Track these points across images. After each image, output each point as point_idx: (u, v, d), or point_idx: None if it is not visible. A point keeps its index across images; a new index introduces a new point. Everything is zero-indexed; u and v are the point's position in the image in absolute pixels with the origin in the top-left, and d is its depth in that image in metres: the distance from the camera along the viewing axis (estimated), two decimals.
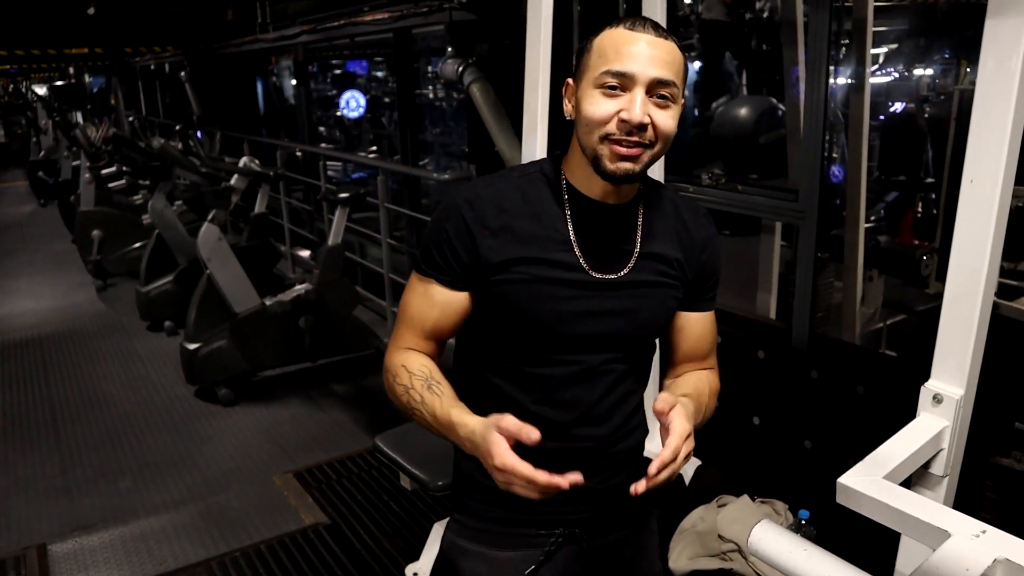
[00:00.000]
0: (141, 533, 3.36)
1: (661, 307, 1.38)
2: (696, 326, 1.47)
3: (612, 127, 1.19)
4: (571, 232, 1.29)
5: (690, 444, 1.21)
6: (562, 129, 3.40)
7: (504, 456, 1.12)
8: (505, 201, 1.29)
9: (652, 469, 1.16)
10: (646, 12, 2.94)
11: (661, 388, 1.53)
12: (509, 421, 1.13)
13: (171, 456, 4.05)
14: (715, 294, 1.48)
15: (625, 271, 1.32)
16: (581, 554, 1.43)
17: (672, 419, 1.19)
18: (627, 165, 1.21)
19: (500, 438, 1.13)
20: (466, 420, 1.22)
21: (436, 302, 1.33)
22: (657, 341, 1.56)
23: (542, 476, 1.11)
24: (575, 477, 1.13)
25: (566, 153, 1.34)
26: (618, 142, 1.20)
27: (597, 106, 1.20)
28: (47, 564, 3.16)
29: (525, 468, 1.11)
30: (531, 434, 1.11)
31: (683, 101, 1.25)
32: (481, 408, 1.25)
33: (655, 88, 1.19)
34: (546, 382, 1.32)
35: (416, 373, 1.31)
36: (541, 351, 1.32)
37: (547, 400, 1.34)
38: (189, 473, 3.87)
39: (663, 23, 2.92)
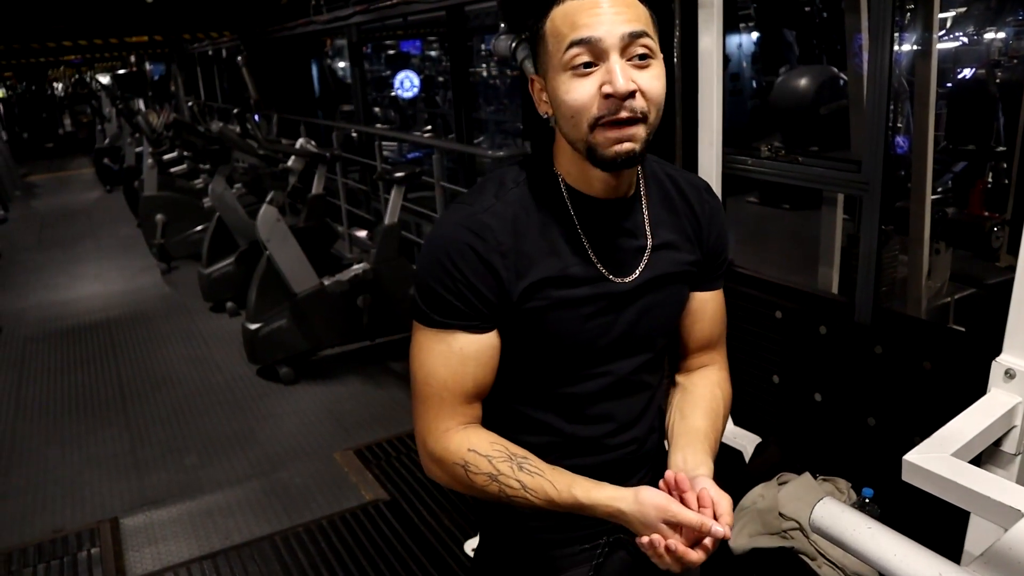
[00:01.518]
0: (207, 508, 3.46)
1: (679, 298, 1.28)
2: (709, 307, 1.34)
3: (598, 108, 1.04)
4: (584, 239, 1.16)
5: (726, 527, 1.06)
6: None
7: (678, 546, 1.02)
8: (512, 222, 1.13)
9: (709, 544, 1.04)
10: None
11: (673, 383, 1.41)
12: (688, 517, 1.02)
13: (234, 433, 4.16)
14: (724, 271, 1.35)
15: (642, 268, 1.20)
16: (632, 557, 1.30)
17: (717, 503, 1.06)
18: (627, 146, 1.06)
19: (666, 529, 1.03)
20: (594, 493, 1.08)
21: (469, 355, 1.14)
22: None
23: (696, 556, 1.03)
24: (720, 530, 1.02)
25: (549, 153, 1.20)
26: (609, 124, 1.05)
27: (574, 91, 1.05)
28: (119, 537, 3.28)
29: (699, 519, 1.03)
30: (715, 529, 1.02)
31: (662, 57, 1.09)
32: (511, 438, 1.17)
33: (630, 46, 1.04)
34: (579, 400, 1.22)
35: (494, 455, 1.12)
36: (573, 370, 1.21)
37: (581, 418, 1.24)
38: (252, 450, 3.96)
39: None
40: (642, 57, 1.05)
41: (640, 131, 1.06)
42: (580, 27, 1.03)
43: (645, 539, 1.04)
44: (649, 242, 1.21)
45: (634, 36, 1.04)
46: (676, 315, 1.30)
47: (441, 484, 1.18)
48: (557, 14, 1.07)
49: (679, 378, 1.40)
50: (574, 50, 1.04)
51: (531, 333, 1.17)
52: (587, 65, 1.04)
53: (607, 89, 1.03)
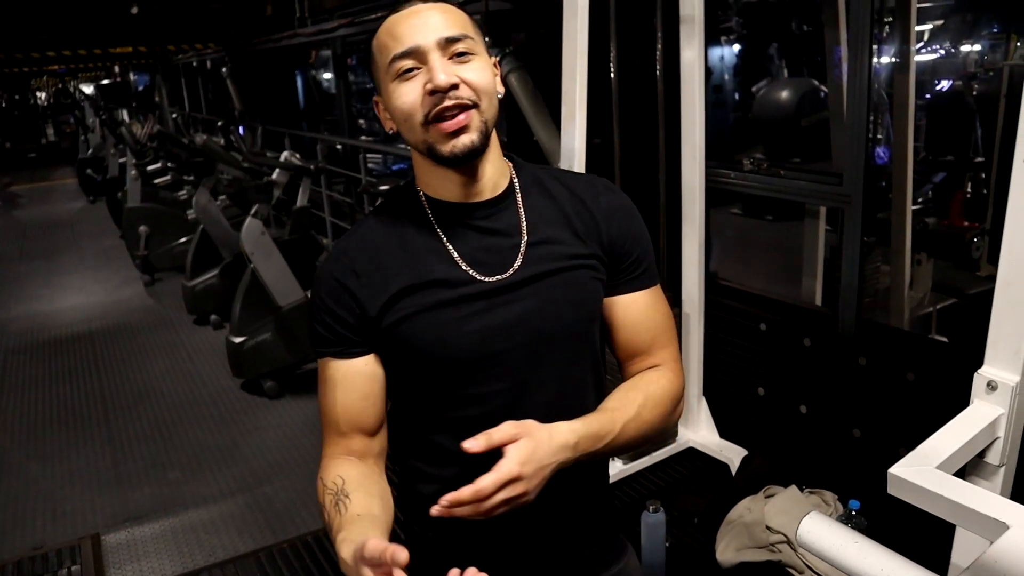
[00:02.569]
0: (191, 524, 3.43)
1: (579, 292, 1.18)
2: (634, 310, 1.23)
3: (425, 105, 1.07)
4: (446, 244, 1.14)
5: (518, 489, 0.98)
6: (599, 117, 3.37)
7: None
8: (373, 241, 1.16)
9: (443, 499, 0.96)
10: None
11: None
12: (371, 548, 0.90)
13: (218, 448, 4.13)
14: (643, 272, 1.24)
15: (517, 266, 1.14)
16: None
17: (507, 452, 0.99)
18: (463, 139, 1.08)
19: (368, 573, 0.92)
20: (343, 552, 0.98)
21: (336, 381, 1.16)
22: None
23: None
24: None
25: (414, 174, 1.21)
26: (439, 118, 1.07)
27: (403, 95, 1.08)
28: (101, 554, 3.23)
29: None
30: (397, 556, 0.88)
31: (489, 57, 1.13)
32: (432, 472, 1.18)
33: (447, 48, 1.07)
34: (485, 419, 1.06)
35: (329, 487, 1.12)
36: (466, 386, 1.14)
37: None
38: (236, 465, 3.93)
39: (700, 7, 2.87)
40: (461, 55, 1.08)
41: (473, 118, 1.08)
42: (400, 38, 1.08)
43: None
44: (524, 239, 1.16)
45: (451, 40, 1.08)
46: (575, 312, 1.17)
47: None
48: (381, 31, 1.11)
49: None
50: (398, 62, 1.08)
51: (403, 347, 1.14)
52: (410, 70, 1.08)
53: (429, 86, 1.06)
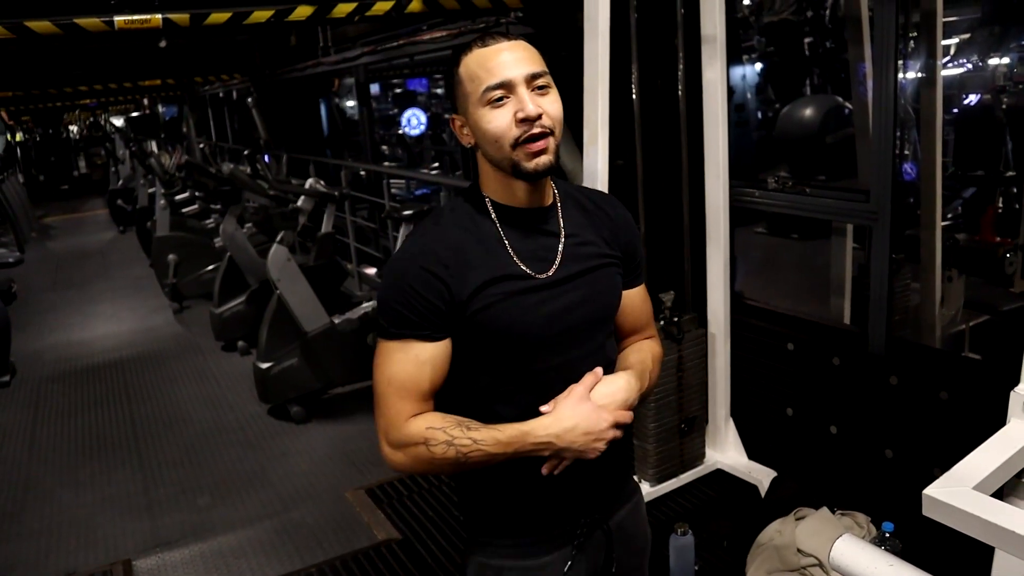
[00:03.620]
0: (220, 549, 3.43)
1: (611, 285, 1.46)
2: (634, 300, 1.55)
3: (516, 131, 1.28)
4: (507, 244, 1.36)
5: (623, 416, 1.34)
6: (622, 139, 3.36)
7: (611, 411, 1.32)
8: (450, 239, 1.34)
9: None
10: (704, 17, 2.91)
11: None
12: (580, 388, 1.32)
13: (246, 473, 4.14)
14: (640, 272, 1.57)
15: (558, 264, 1.38)
16: (606, 534, 1.50)
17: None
18: (543, 159, 1.30)
19: (596, 402, 1.31)
20: (533, 423, 1.29)
21: (425, 360, 1.33)
22: None
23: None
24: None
25: (477, 181, 1.42)
26: (527, 140, 1.28)
27: (494, 120, 1.29)
28: None
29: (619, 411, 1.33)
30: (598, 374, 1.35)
31: (555, 87, 1.34)
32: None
33: (531, 82, 1.29)
34: (545, 390, 1.34)
35: (447, 424, 1.30)
36: (533, 362, 1.37)
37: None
38: (264, 490, 3.94)
39: (721, 27, 2.88)
40: (541, 88, 1.31)
41: (550, 143, 1.31)
42: (492, 72, 1.28)
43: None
44: (562, 240, 1.40)
45: (535, 75, 1.30)
46: (614, 301, 1.48)
47: (403, 470, 1.35)
48: (470, 61, 1.31)
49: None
50: (491, 92, 1.28)
51: (485, 329, 1.33)
52: (501, 99, 1.28)
53: (520, 114, 1.28)
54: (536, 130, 1.28)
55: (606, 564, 1.52)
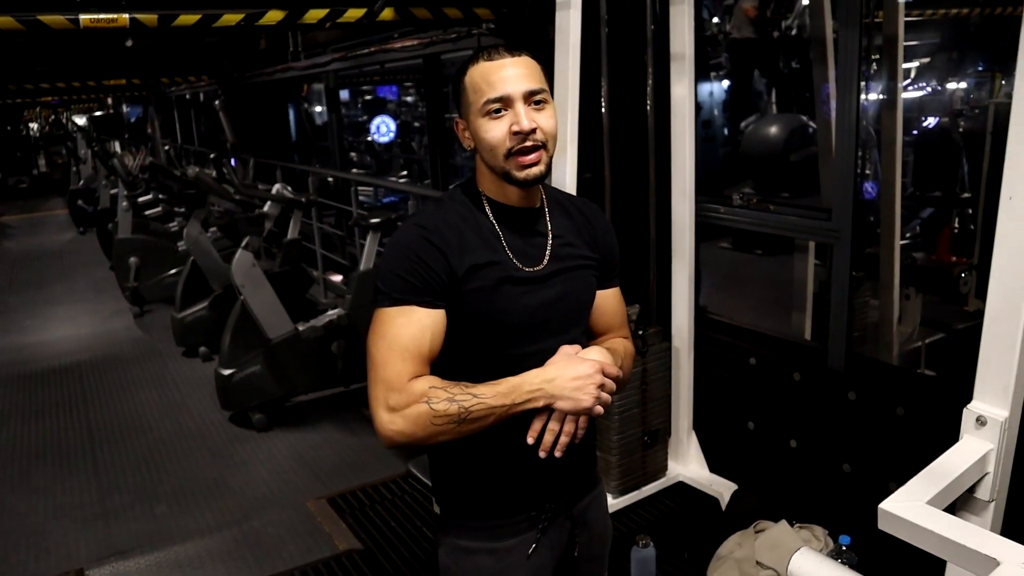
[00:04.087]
0: (176, 559, 3.38)
1: (588, 285, 1.57)
2: (610, 301, 1.65)
3: (509, 142, 1.38)
4: (502, 237, 1.46)
5: (609, 369, 1.40)
6: (590, 153, 3.39)
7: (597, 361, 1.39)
8: (451, 223, 1.44)
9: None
10: (673, 34, 2.94)
11: None
12: (570, 348, 1.41)
13: (206, 481, 4.08)
14: (616, 274, 1.67)
15: (547, 260, 1.49)
16: (570, 520, 1.58)
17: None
18: (533, 170, 1.41)
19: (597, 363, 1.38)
20: (528, 374, 1.36)
21: (427, 324, 1.39)
22: None
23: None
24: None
25: (474, 177, 1.52)
26: (519, 152, 1.39)
27: (492, 130, 1.39)
28: None
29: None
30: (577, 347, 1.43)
31: (552, 101, 1.45)
32: None
33: (529, 98, 1.39)
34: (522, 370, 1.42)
35: (448, 384, 1.35)
36: (515, 346, 1.45)
37: None
38: (223, 498, 3.89)
39: (690, 45, 2.92)
40: (538, 103, 1.41)
41: (542, 156, 1.42)
42: (493, 86, 1.39)
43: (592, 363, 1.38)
44: (550, 240, 1.51)
45: (533, 92, 1.40)
46: (590, 299, 1.59)
47: (399, 440, 1.34)
48: (475, 72, 1.42)
49: None
50: (491, 104, 1.39)
51: (474, 309, 1.42)
52: (498, 111, 1.39)
53: (515, 128, 1.38)
54: (529, 143, 1.38)
55: (568, 549, 1.60)
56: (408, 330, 1.38)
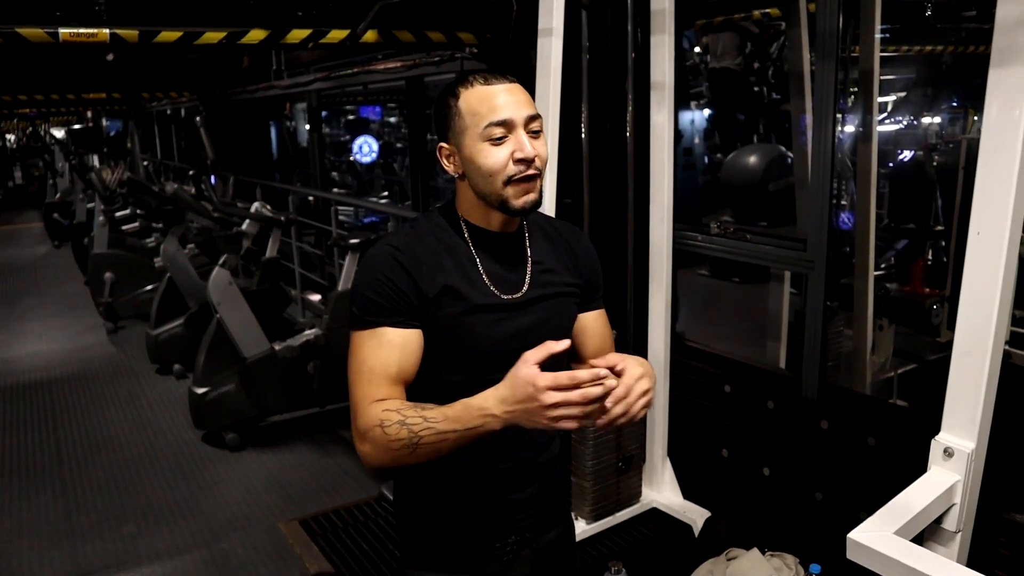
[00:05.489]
0: None
1: (566, 313, 1.54)
2: (596, 323, 1.61)
3: (511, 169, 1.36)
4: (479, 263, 1.43)
5: (644, 387, 1.25)
6: (569, 178, 3.42)
7: (545, 375, 1.16)
8: (426, 244, 1.42)
9: (608, 403, 1.21)
10: (654, 63, 2.98)
11: None
12: (529, 354, 1.20)
13: (176, 501, 4.02)
14: (600, 296, 1.64)
15: (527, 287, 1.46)
16: (534, 554, 1.55)
17: (625, 363, 1.27)
18: (531, 197, 1.39)
19: (532, 366, 1.18)
20: (483, 395, 1.24)
21: (396, 345, 1.37)
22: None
23: (584, 372, 1.18)
24: (612, 382, 1.20)
25: (453, 201, 1.49)
26: (520, 180, 1.36)
27: (493, 157, 1.36)
28: None
29: (566, 378, 1.16)
30: (558, 346, 1.21)
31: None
32: None
33: (529, 124, 1.38)
34: None
35: (402, 407, 1.30)
36: (481, 375, 1.35)
37: None
38: (194, 519, 3.83)
39: (670, 73, 2.96)
40: (536, 132, 1.39)
41: (538, 184, 1.40)
42: (494, 110, 1.35)
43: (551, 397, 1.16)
44: (530, 267, 1.48)
45: (532, 118, 1.39)
46: (570, 327, 1.55)
47: (374, 464, 1.33)
48: (471, 96, 1.38)
49: None
50: (492, 128, 1.35)
51: (443, 334, 1.40)
52: (501, 137, 1.36)
53: (518, 155, 1.36)
54: (531, 171, 1.37)
55: None
56: (375, 352, 1.36)
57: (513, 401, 1.19)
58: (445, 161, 1.44)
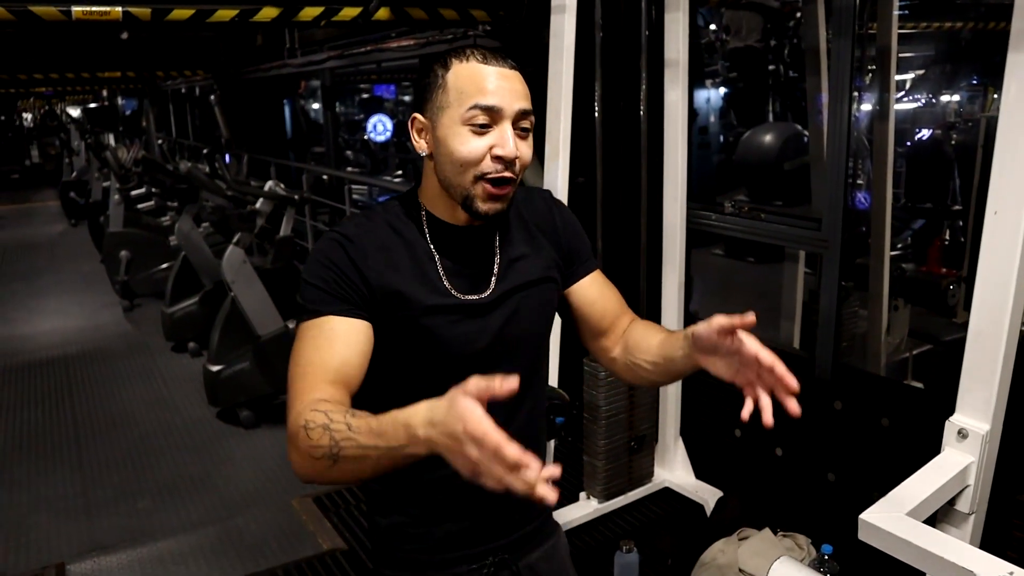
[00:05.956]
0: (159, 555, 3.36)
1: (545, 303, 1.38)
2: (596, 286, 1.45)
3: (486, 165, 1.20)
4: (437, 262, 1.28)
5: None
6: (583, 157, 3.39)
7: (480, 422, 0.88)
8: (379, 238, 1.26)
9: (782, 373, 1.19)
10: (668, 41, 2.95)
11: (612, 358, 1.46)
12: (474, 383, 0.91)
13: (191, 477, 4.07)
14: (588, 259, 1.46)
15: (494, 284, 1.31)
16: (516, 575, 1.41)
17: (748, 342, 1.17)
18: (498, 205, 1.23)
19: (473, 403, 0.90)
20: (415, 409, 0.97)
21: (338, 335, 1.19)
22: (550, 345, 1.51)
23: (513, 451, 0.88)
24: (552, 470, 0.92)
25: (415, 188, 1.34)
26: (492, 181, 1.20)
27: (469, 145, 1.19)
28: None
29: (498, 437, 0.88)
30: (505, 385, 0.91)
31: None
32: None
33: (519, 120, 1.22)
34: None
35: (333, 408, 1.07)
36: (444, 381, 1.08)
37: None
38: (208, 495, 3.87)
39: (684, 51, 2.92)
40: (524, 129, 1.23)
41: (510, 191, 1.24)
42: (484, 93, 1.19)
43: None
44: (497, 260, 1.33)
45: (524, 113, 1.22)
46: (544, 319, 1.39)
47: (299, 474, 1.08)
48: (462, 71, 1.21)
49: (616, 350, 1.45)
50: (476, 111, 1.19)
51: (398, 338, 1.25)
52: (484, 125, 1.19)
53: (498, 151, 1.19)
54: (507, 173, 1.21)
55: None
56: (316, 342, 1.18)
57: (441, 430, 0.93)
58: (415, 135, 1.27)
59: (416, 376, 1.27)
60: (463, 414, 0.90)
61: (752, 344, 1.17)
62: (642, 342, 1.40)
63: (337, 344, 1.18)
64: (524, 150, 1.23)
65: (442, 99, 1.22)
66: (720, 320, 1.17)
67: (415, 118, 1.27)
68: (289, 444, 1.09)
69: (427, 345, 1.26)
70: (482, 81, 1.20)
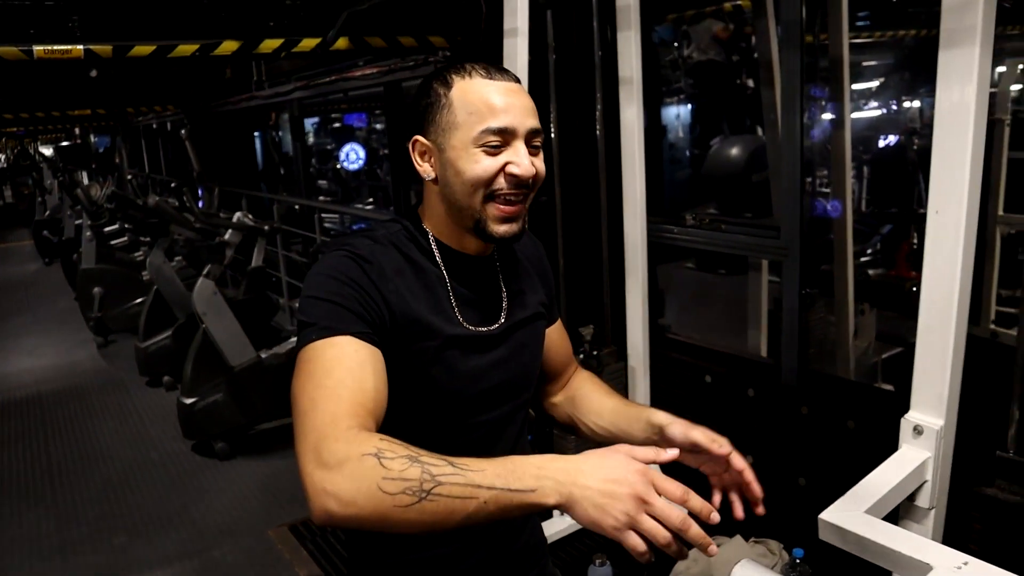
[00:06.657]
0: None
1: (540, 336, 1.38)
2: (555, 333, 1.47)
3: (500, 183, 1.15)
4: (450, 291, 1.21)
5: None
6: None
7: (675, 490, 0.92)
8: (393, 260, 1.18)
9: (750, 480, 1.33)
10: (621, 60, 2.99)
11: (553, 405, 1.53)
12: (641, 452, 0.93)
13: (166, 511, 4.03)
14: (556, 307, 1.50)
15: (503, 318, 1.27)
16: None
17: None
18: (514, 227, 1.18)
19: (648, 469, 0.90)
20: (540, 456, 0.93)
21: (365, 359, 1.05)
22: None
23: (696, 532, 0.92)
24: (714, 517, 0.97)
25: (416, 213, 1.27)
26: (505, 200, 1.15)
27: (481, 163, 1.13)
28: None
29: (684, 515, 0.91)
30: (663, 456, 0.98)
31: None
32: None
33: (531, 139, 1.17)
34: (465, 450, 1.01)
35: (406, 444, 0.95)
36: (454, 418, 1.20)
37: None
38: (184, 528, 3.84)
39: (638, 69, 2.97)
40: (536, 148, 1.18)
41: (524, 209, 1.19)
42: (495, 113, 1.13)
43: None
44: (504, 293, 1.30)
45: (536, 132, 1.17)
46: (540, 352, 1.39)
47: (338, 510, 0.90)
48: (468, 88, 1.15)
49: (559, 396, 1.52)
50: (491, 135, 1.13)
51: (409, 372, 1.15)
52: (498, 146, 1.14)
53: (514, 170, 1.14)
54: (521, 191, 1.16)
55: None
56: (343, 363, 1.03)
57: (598, 475, 0.90)
58: (418, 158, 1.20)
59: (411, 411, 1.18)
60: (648, 474, 0.92)
61: (725, 447, 1.26)
62: (593, 403, 1.44)
63: (366, 369, 1.04)
64: (539, 166, 1.18)
65: (447, 120, 1.15)
66: (698, 437, 1.28)
67: (417, 140, 1.20)
68: (327, 469, 0.92)
69: (437, 379, 1.17)
70: (492, 99, 1.14)
